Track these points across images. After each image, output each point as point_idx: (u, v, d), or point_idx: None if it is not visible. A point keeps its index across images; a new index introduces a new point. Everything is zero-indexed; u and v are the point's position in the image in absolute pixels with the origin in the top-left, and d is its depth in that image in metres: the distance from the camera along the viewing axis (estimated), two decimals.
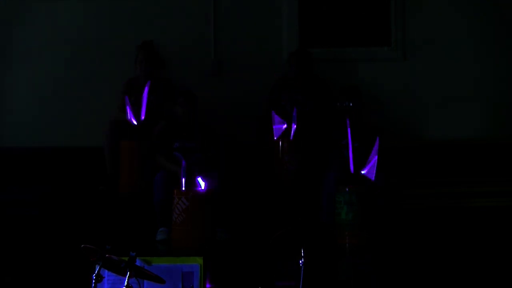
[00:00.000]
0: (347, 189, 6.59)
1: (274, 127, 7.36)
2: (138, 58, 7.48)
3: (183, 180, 6.44)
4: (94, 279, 4.26)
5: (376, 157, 6.59)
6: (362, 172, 6.62)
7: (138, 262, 4.50)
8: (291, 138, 7.25)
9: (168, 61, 7.74)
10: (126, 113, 7.22)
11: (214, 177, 6.66)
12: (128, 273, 4.23)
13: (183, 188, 6.41)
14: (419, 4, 8.12)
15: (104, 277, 4.50)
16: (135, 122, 7.14)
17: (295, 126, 7.26)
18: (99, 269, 4.27)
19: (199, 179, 6.39)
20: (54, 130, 7.84)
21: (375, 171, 6.57)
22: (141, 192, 7.01)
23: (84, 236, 6.21)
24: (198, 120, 7.08)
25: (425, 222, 6.93)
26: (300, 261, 4.60)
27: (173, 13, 7.98)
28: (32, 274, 6.04)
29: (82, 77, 7.75)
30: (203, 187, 6.37)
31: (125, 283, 4.22)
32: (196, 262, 4.79)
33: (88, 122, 7.78)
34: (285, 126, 7.33)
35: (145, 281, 4.53)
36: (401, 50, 8.08)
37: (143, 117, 7.15)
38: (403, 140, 7.86)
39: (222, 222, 6.64)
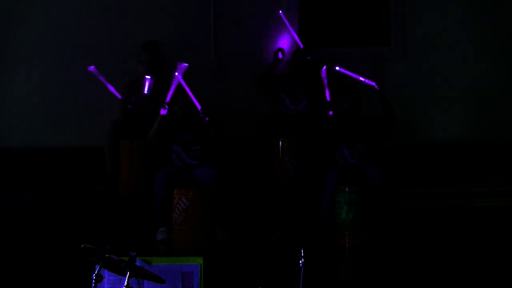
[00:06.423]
0: (347, 189, 6.59)
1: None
2: (141, 58, 7.48)
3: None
4: (94, 279, 4.27)
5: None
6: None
7: (138, 262, 4.50)
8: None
9: (169, 60, 7.74)
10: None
11: (213, 174, 6.67)
12: (128, 273, 4.24)
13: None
14: (419, 4, 8.12)
15: (104, 277, 4.50)
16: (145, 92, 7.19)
17: (295, 125, 7.27)
18: (99, 269, 4.27)
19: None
20: (54, 130, 7.84)
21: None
22: (141, 192, 7.01)
23: (84, 236, 6.21)
24: (197, 116, 7.04)
25: (425, 222, 6.94)
26: (300, 261, 4.60)
27: (174, 13, 7.97)
28: (32, 274, 6.04)
29: (82, 77, 7.73)
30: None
31: (125, 283, 4.22)
32: (196, 262, 4.79)
33: (88, 122, 7.79)
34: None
35: (145, 281, 4.53)
36: (401, 50, 8.08)
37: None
38: (403, 140, 7.86)
39: (222, 222, 6.65)
